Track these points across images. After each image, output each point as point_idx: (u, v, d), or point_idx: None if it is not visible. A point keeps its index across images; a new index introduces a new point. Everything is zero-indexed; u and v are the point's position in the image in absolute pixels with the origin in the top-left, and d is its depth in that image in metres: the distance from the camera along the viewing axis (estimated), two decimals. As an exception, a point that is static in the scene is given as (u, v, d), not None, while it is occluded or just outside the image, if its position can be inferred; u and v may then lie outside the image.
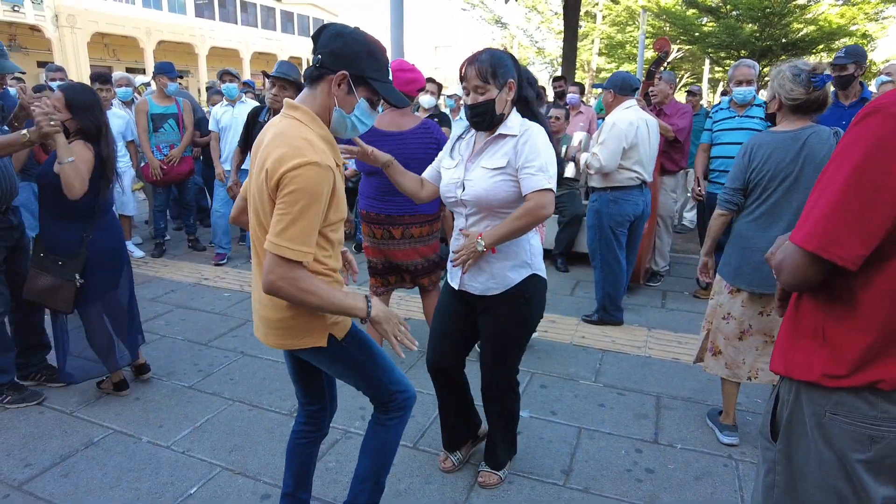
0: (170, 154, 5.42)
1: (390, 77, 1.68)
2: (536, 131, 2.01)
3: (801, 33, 16.47)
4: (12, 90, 4.58)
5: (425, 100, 5.70)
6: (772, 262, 1.20)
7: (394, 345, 1.65)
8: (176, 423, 2.80)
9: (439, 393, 2.40)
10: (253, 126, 4.45)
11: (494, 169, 2.01)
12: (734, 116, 4.26)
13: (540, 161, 1.95)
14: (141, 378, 3.19)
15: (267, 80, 3.96)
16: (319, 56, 1.57)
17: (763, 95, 2.70)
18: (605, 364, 3.48)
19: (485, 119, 2.01)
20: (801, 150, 2.35)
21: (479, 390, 2.31)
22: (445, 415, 2.45)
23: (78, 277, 2.74)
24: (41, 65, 20.86)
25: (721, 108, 4.44)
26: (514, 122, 2.04)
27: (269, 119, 3.58)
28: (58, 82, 5.56)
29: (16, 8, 19.95)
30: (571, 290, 4.92)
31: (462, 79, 2.02)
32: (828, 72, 2.25)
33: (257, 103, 5.38)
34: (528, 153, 1.96)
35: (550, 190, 1.96)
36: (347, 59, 1.56)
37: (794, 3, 15.28)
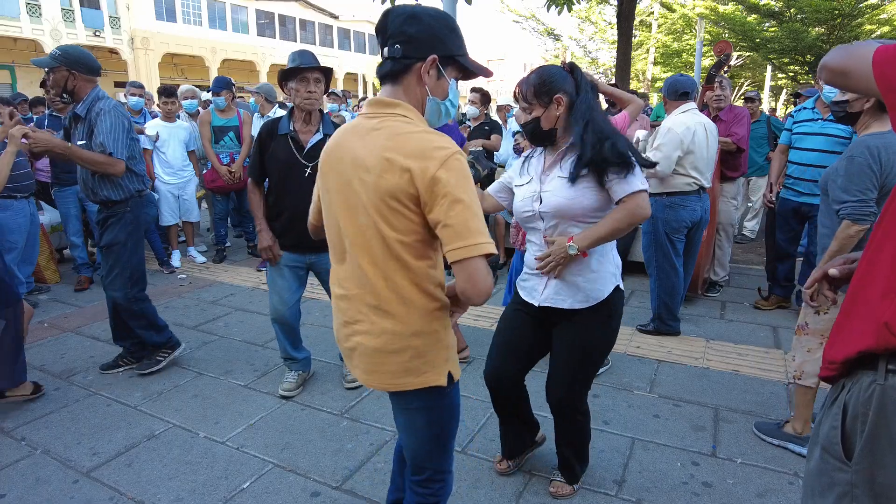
0: (233, 168, 5.56)
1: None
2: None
3: (874, 35, 15.57)
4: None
5: (470, 111, 5.74)
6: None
7: None
8: (231, 420, 2.89)
9: (498, 407, 2.33)
10: (268, 144, 2.98)
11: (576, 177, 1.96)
12: (817, 119, 4.00)
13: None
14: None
15: (290, 82, 2.89)
16: (398, 45, 1.35)
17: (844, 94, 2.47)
18: (661, 374, 3.37)
19: (535, 135, 2.02)
20: None
21: (545, 401, 2.20)
22: (505, 428, 2.39)
23: None
24: (118, 85, 22.31)
25: (805, 108, 4.17)
26: None
27: (294, 126, 2.95)
28: (136, 98, 5.93)
29: (97, 33, 21.44)
30: (626, 299, 4.77)
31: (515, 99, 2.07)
32: None
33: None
34: None
35: (645, 190, 1.89)
36: (433, 41, 1.36)
37: (865, 3, 14.48)
